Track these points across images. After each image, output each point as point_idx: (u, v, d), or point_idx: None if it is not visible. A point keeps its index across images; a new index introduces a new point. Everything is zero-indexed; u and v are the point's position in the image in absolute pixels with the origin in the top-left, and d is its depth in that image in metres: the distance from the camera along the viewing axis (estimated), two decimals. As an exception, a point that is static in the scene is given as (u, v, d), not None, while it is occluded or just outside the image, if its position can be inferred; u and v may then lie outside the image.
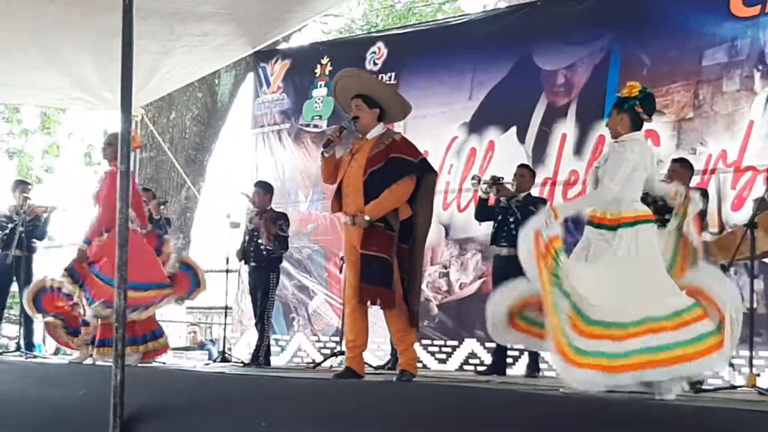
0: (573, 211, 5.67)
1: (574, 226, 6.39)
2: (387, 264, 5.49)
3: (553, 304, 4.55)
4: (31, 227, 8.62)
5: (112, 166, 7.10)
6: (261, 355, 8.34)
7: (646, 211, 4.89)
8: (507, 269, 6.48)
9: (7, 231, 8.66)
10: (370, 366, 7.49)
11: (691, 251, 4.87)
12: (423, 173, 5.70)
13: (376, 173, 5.55)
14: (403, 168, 5.56)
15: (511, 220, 7.35)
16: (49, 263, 7.87)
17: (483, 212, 7.72)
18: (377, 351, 8.57)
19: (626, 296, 4.66)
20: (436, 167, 8.92)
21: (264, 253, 8.31)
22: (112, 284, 6.78)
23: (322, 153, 5.81)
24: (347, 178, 5.69)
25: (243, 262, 8.63)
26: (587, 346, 4.52)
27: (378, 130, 5.73)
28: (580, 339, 4.53)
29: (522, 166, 7.69)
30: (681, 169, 6.48)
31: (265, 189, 8.55)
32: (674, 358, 4.47)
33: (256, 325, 8.57)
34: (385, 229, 5.54)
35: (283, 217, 8.40)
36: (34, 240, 8.70)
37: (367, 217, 5.50)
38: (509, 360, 7.87)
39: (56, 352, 10.46)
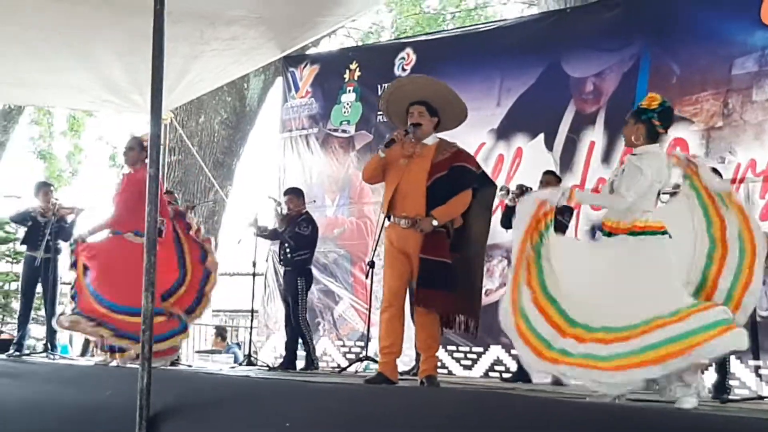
0: (588, 201, 6.34)
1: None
2: (449, 268, 5.53)
3: (518, 286, 4.80)
4: (57, 228, 8.67)
5: (132, 169, 7.15)
6: (314, 358, 8.39)
7: (658, 222, 4.87)
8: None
9: (31, 229, 8.74)
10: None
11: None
12: (482, 185, 5.76)
13: (440, 180, 5.61)
14: (469, 178, 5.63)
15: None
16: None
17: (510, 219, 7.70)
18: (402, 356, 8.55)
19: (620, 298, 4.67)
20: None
21: (289, 257, 8.36)
22: (99, 300, 6.85)
23: (379, 150, 5.82)
24: (405, 181, 5.69)
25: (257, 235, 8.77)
26: (573, 348, 4.61)
27: (434, 138, 5.80)
28: (563, 340, 4.64)
29: (548, 172, 7.67)
30: None
31: (296, 194, 8.63)
32: (681, 350, 4.42)
33: (285, 328, 8.61)
34: (446, 235, 5.58)
35: (305, 217, 8.45)
36: (60, 241, 8.75)
37: (435, 222, 5.53)
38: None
39: (83, 353, 10.53)
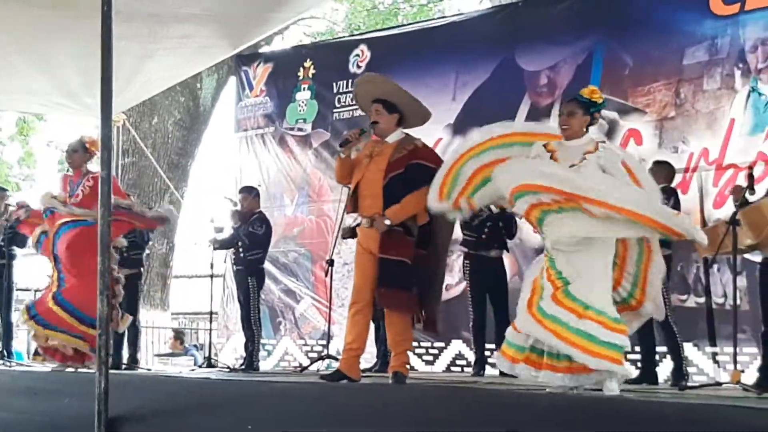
0: None
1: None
2: (406, 267, 5.52)
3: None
4: (11, 234, 8.53)
5: (76, 172, 7.05)
6: (256, 360, 8.36)
7: None
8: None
9: None
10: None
11: None
12: None
13: (397, 178, 5.59)
14: (425, 175, 5.56)
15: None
16: (30, 270, 7.79)
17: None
18: (364, 354, 8.54)
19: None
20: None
21: (242, 256, 8.33)
22: (78, 317, 6.75)
23: (339, 153, 5.83)
24: (365, 180, 5.70)
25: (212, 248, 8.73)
26: None
27: (397, 135, 5.77)
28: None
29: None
30: (659, 172, 6.51)
31: (250, 193, 8.57)
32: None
33: (243, 329, 8.59)
34: (404, 233, 5.57)
35: (258, 216, 8.42)
36: (14, 248, 8.62)
37: (387, 221, 5.52)
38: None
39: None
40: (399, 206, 5.54)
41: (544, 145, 5.03)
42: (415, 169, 5.61)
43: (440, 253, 5.83)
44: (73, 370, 6.85)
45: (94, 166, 6.99)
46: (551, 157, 4.94)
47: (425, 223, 5.65)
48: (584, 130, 5.00)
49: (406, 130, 5.86)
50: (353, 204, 5.81)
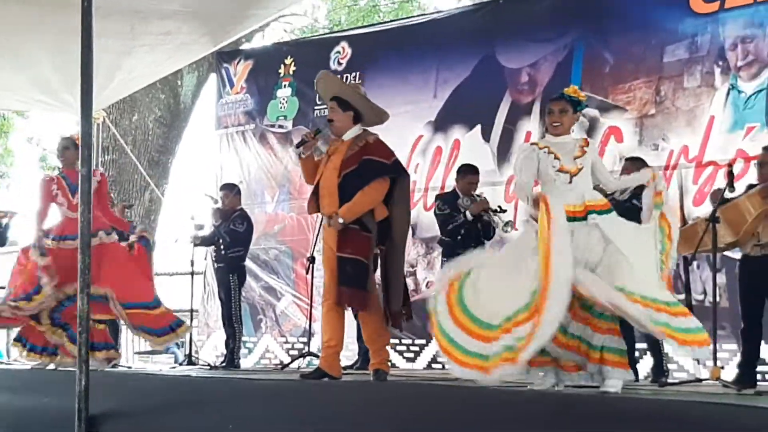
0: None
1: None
2: (362, 266, 5.52)
3: None
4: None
5: (71, 171, 7.01)
6: (237, 358, 8.34)
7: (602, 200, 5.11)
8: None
9: None
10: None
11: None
12: (397, 175, 5.71)
13: (350, 175, 5.59)
14: (376, 170, 5.57)
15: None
16: (9, 268, 7.70)
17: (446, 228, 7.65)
18: (345, 351, 8.53)
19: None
20: (401, 166, 9.02)
21: (223, 253, 8.31)
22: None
23: (299, 154, 5.84)
24: (324, 179, 5.73)
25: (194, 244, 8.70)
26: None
27: (354, 131, 5.76)
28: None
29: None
30: (632, 167, 6.53)
31: (231, 190, 8.55)
32: None
33: (224, 326, 8.57)
34: (360, 230, 5.57)
35: (240, 213, 8.40)
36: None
37: (340, 220, 5.52)
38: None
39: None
40: (350, 204, 5.55)
41: (534, 144, 5.11)
42: (366, 164, 5.61)
43: (398, 248, 5.81)
44: (53, 367, 6.82)
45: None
46: (548, 152, 5.00)
47: (385, 219, 5.65)
48: (572, 128, 5.09)
49: (380, 127, 5.86)
50: (316, 204, 5.83)
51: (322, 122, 6.01)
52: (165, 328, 7.03)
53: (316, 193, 5.80)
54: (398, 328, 5.84)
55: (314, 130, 5.88)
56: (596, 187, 5.12)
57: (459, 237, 7.35)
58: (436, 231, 7.98)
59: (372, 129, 5.86)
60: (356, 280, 5.51)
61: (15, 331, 7.55)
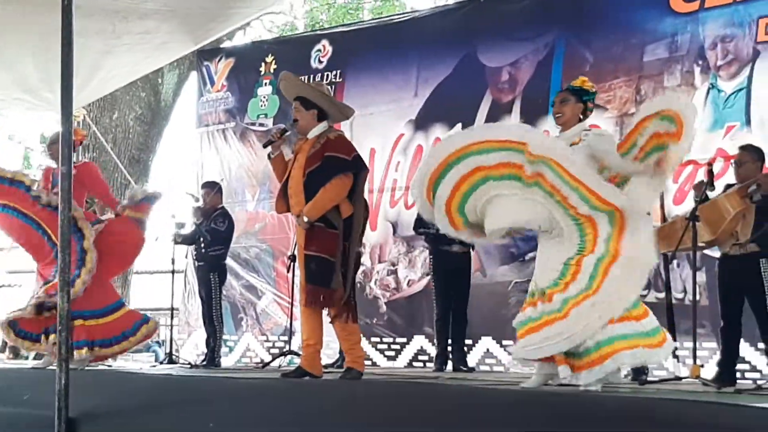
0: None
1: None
2: (326, 263, 5.53)
3: None
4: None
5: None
6: (217, 356, 8.33)
7: None
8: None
9: None
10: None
11: None
12: (358, 170, 5.72)
13: (314, 173, 5.61)
14: (337, 166, 5.59)
15: None
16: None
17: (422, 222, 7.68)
18: (326, 349, 8.54)
19: None
20: (383, 165, 9.04)
21: (204, 252, 8.29)
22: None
23: (269, 155, 5.85)
24: (291, 178, 5.75)
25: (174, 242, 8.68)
26: None
27: (318, 129, 5.77)
28: None
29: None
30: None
31: (212, 188, 8.53)
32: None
33: (204, 325, 8.55)
34: (326, 228, 5.57)
35: (221, 212, 8.38)
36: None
37: (305, 218, 5.53)
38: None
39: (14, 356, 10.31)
40: (313, 201, 5.57)
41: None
42: (329, 161, 5.62)
43: (354, 242, 5.76)
44: (40, 365, 6.80)
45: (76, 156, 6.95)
46: None
47: (350, 216, 5.66)
48: (579, 117, 5.09)
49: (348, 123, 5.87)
50: (285, 203, 5.82)
51: (288, 121, 6.00)
52: (117, 336, 6.97)
53: (285, 193, 5.80)
54: (346, 321, 5.73)
55: (280, 129, 5.90)
56: None
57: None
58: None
59: (356, 127, 5.89)
60: (320, 277, 5.52)
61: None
